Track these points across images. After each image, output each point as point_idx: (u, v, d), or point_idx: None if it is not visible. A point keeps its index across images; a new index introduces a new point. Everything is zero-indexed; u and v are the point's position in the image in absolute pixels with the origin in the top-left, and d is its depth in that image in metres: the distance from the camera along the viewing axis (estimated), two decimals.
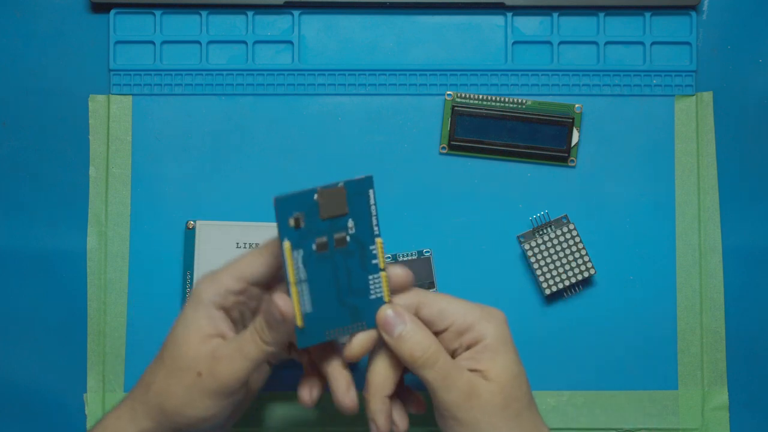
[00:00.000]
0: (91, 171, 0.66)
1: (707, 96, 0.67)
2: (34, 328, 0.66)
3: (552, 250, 0.65)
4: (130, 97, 0.66)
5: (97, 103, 0.66)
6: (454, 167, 0.66)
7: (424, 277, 0.65)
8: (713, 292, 0.66)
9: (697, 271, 0.66)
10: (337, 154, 0.66)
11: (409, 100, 0.67)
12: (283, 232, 0.51)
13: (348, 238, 0.52)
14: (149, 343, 0.65)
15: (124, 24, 0.67)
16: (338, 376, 0.54)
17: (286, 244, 0.51)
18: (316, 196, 0.51)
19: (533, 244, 0.65)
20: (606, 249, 0.66)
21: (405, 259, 0.66)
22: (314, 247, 0.51)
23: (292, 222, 0.51)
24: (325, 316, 0.52)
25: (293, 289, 0.51)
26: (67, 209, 0.66)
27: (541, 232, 0.65)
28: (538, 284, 0.66)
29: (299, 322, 0.51)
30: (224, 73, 0.66)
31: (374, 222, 0.53)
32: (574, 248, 0.65)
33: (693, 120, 0.66)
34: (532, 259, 0.65)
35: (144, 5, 0.66)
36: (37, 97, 0.66)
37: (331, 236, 0.52)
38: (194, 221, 0.65)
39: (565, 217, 0.65)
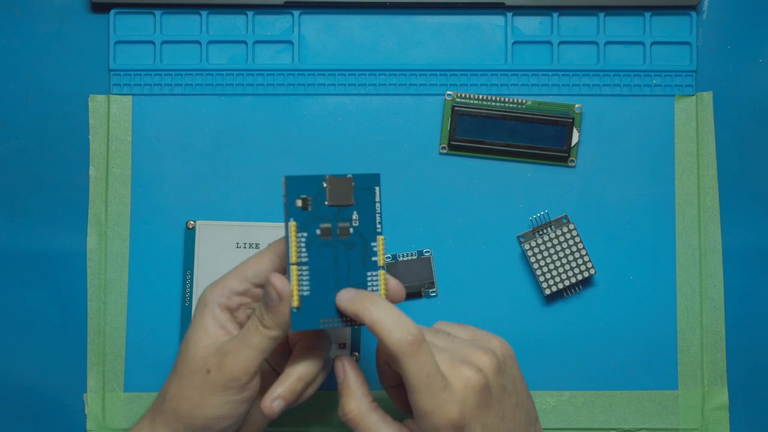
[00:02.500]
0: (91, 171, 0.66)
1: (707, 96, 0.67)
2: (34, 328, 0.66)
3: (552, 250, 0.65)
4: (130, 97, 0.66)
5: (97, 103, 0.66)
6: (454, 167, 0.66)
7: (424, 277, 0.65)
8: (713, 292, 0.66)
9: (697, 271, 0.66)
10: (337, 154, 0.66)
11: (409, 100, 0.67)
12: (291, 211, 0.52)
13: (351, 230, 0.53)
14: (149, 343, 0.65)
15: (124, 24, 0.67)
16: (284, 377, 0.54)
17: (292, 224, 0.52)
18: (325, 183, 0.52)
19: (533, 244, 0.65)
20: (606, 249, 0.66)
21: (405, 259, 0.66)
22: (318, 232, 0.52)
23: (299, 203, 0.52)
24: (322, 304, 0.52)
25: (293, 269, 0.52)
26: (67, 209, 0.66)
27: (541, 232, 0.65)
28: (538, 284, 0.66)
29: (296, 302, 0.51)
30: (224, 73, 0.66)
31: (378, 219, 0.54)
32: (574, 248, 0.65)
33: (693, 120, 0.66)
34: (532, 259, 0.65)
35: (144, 5, 0.66)
36: (37, 97, 0.66)
37: (335, 224, 0.53)
38: (194, 221, 0.65)
39: (565, 217, 0.65)
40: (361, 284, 0.53)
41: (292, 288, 0.51)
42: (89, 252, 0.66)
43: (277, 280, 0.51)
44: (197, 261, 0.65)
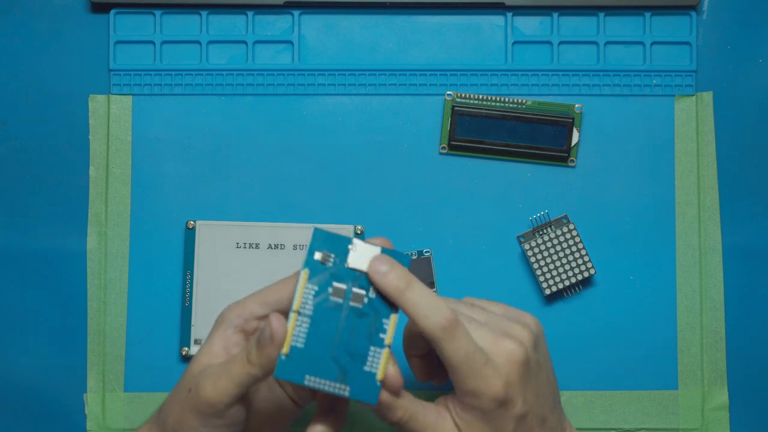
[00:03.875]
0: (91, 171, 0.66)
1: (707, 96, 0.67)
2: (34, 328, 0.66)
3: (552, 250, 0.65)
4: (130, 97, 0.66)
5: (97, 103, 0.66)
6: (454, 167, 0.66)
7: (424, 277, 0.65)
8: (713, 292, 0.66)
9: (697, 271, 0.66)
10: (337, 154, 0.66)
11: (409, 100, 0.67)
12: (308, 261, 0.51)
13: (366, 300, 0.52)
14: (149, 343, 0.65)
15: (124, 24, 0.67)
16: (318, 419, 0.53)
17: (305, 271, 0.51)
18: (350, 245, 0.52)
19: (533, 244, 0.65)
20: (606, 249, 0.66)
21: None
22: (330, 290, 0.51)
23: (319, 256, 0.51)
24: (313, 361, 0.51)
25: (293, 316, 0.50)
26: (67, 209, 0.66)
27: (541, 232, 0.65)
28: (538, 284, 0.66)
29: (285, 349, 0.50)
30: (224, 73, 0.66)
31: None
32: (574, 248, 0.65)
33: (693, 120, 0.66)
34: (532, 259, 0.65)
35: (144, 5, 0.66)
36: (37, 97, 0.67)
37: (350, 288, 0.51)
38: (194, 221, 0.65)
39: (565, 217, 0.65)
40: (361, 356, 0.51)
41: (287, 334, 0.50)
42: (89, 252, 0.66)
43: (275, 321, 0.49)
44: (197, 261, 0.65)
